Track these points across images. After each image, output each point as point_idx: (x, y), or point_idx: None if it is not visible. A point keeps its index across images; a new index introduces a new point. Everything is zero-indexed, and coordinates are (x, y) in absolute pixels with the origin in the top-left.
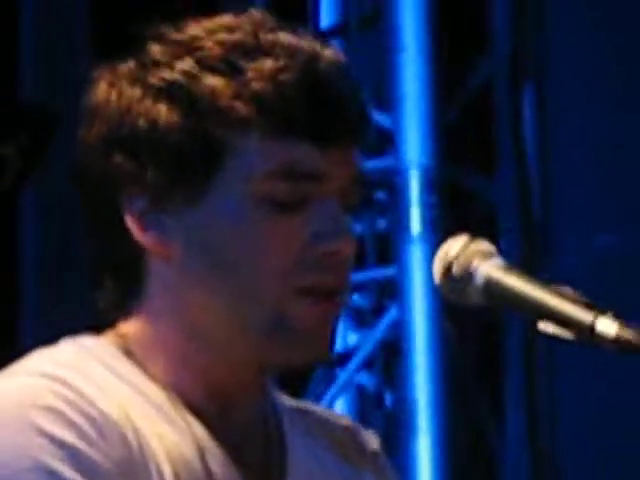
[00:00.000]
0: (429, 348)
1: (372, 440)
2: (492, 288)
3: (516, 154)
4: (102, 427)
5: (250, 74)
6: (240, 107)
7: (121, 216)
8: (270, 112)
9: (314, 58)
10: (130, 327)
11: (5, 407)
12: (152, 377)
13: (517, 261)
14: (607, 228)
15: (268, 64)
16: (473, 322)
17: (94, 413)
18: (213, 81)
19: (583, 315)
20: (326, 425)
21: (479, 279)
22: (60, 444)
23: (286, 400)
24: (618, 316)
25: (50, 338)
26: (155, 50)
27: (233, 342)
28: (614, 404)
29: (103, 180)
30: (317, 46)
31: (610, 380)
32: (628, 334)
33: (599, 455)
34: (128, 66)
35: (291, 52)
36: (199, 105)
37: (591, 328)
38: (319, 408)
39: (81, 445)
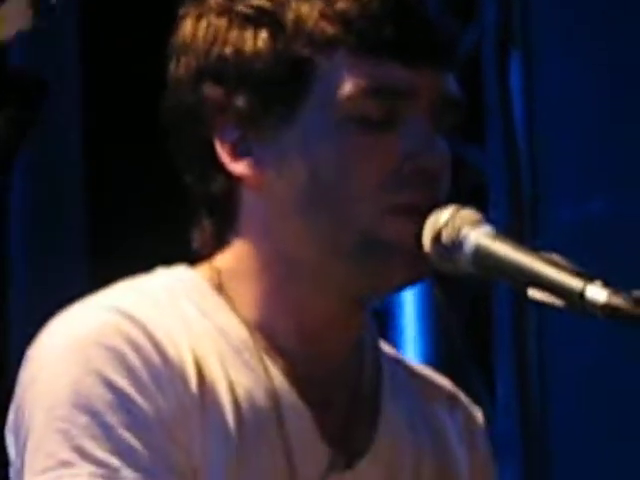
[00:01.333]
0: (419, 316)
1: (475, 416)
2: (481, 255)
3: (504, 124)
4: (160, 375)
5: None
6: (326, 27)
7: (213, 148)
8: (357, 30)
9: None
10: (224, 259)
11: (69, 340)
12: (240, 314)
13: (506, 230)
14: (596, 196)
15: None
16: (463, 290)
17: (156, 359)
18: (298, 4)
19: (573, 282)
20: (433, 398)
21: (468, 247)
22: (111, 387)
23: (392, 353)
24: (607, 284)
25: (40, 321)
26: None
27: (328, 269)
28: (604, 371)
29: (194, 112)
30: None
31: (600, 347)
32: (617, 301)
33: (589, 422)
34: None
35: None
36: (284, 29)
37: (580, 295)
38: (431, 375)
39: (132, 391)
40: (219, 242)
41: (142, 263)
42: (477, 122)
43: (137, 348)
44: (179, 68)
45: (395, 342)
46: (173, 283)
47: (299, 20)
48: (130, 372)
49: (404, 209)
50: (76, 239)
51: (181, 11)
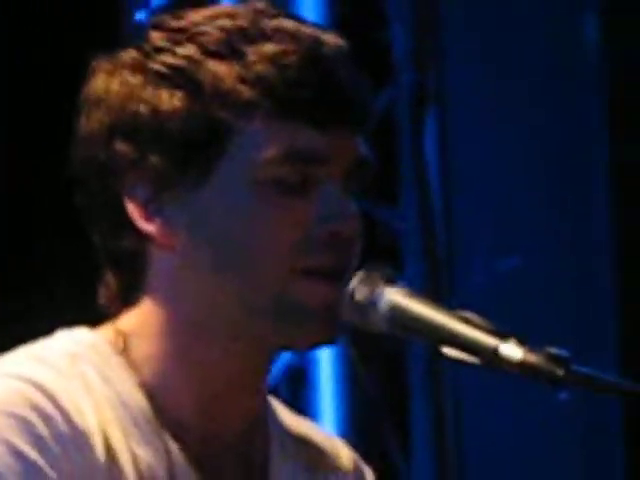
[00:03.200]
0: (334, 375)
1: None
2: (396, 314)
3: (418, 183)
4: (69, 444)
5: (252, 57)
6: (244, 90)
7: (122, 204)
8: (274, 95)
9: (317, 42)
10: (129, 320)
11: None
12: (142, 381)
13: (422, 288)
14: (509, 254)
15: (271, 48)
16: (377, 348)
17: (65, 428)
18: (215, 65)
19: (487, 340)
20: (323, 455)
21: (383, 305)
22: (20, 457)
23: (285, 415)
24: (521, 341)
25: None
26: (156, 37)
27: (237, 328)
28: (520, 426)
29: (104, 169)
30: (319, 32)
31: (516, 401)
32: (533, 358)
33: (504, 478)
34: (129, 54)
35: (293, 37)
36: (201, 89)
37: (495, 352)
38: (319, 432)
39: (41, 462)
40: (125, 300)
41: (44, 323)
42: (390, 182)
43: (45, 417)
44: (90, 122)
45: (311, 399)
46: (74, 348)
47: (216, 82)
48: (39, 442)
49: (316, 272)
50: None
51: (93, 64)
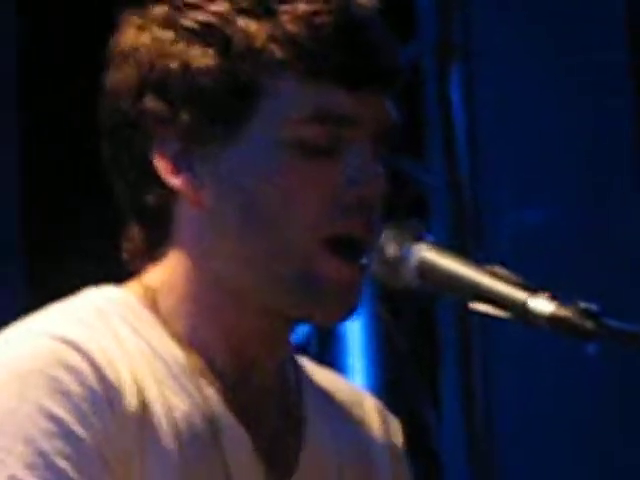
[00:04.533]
0: (364, 332)
1: (397, 430)
2: (425, 269)
3: (445, 137)
4: (99, 399)
5: (284, 16)
6: (275, 49)
7: (151, 160)
8: (305, 55)
9: (349, 3)
10: (156, 276)
11: (5, 369)
12: (174, 333)
13: (449, 242)
14: (537, 206)
15: (302, 7)
16: (408, 306)
17: (95, 384)
18: (247, 23)
19: (517, 294)
20: (349, 405)
21: (412, 261)
22: (49, 416)
23: (312, 368)
24: (551, 295)
25: None
26: None
27: (260, 291)
28: (549, 382)
29: (133, 122)
30: None
31: (545, 358)
32: (563, 312)
33: (533, 440)
34: (159, 10)
35: None
36: (233, 47)
37: (525, 306)
38: (345, 383)
39: (70, 420)
40: (150, 255)
41: (75, 279)
42: (417, 136)
43: (76, 374)
44: (119, 76)
45: (341, 356)
46: (104, 303)
47: (247, 40)
48: (69, 400)
49: (338, 242)
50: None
51: (121, 19)
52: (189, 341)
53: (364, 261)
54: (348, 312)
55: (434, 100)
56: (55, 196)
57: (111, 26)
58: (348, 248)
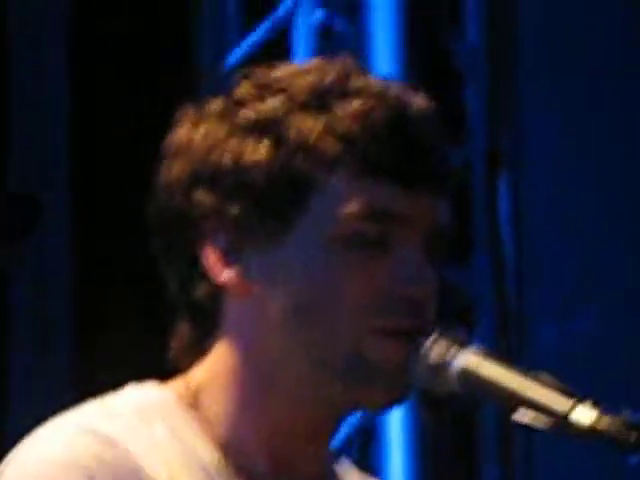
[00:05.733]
0: (405, 434)
1: None
2: (469, 377)
3: (492, 243)
4: None
5: (339, 113)
6: (329, 145)
7: (200, 254)
8: (359, 151)
9: (404, 102)
10: (200, 373)
11: (43, 461)
12: (212, 432)
13: (494, 349)
14: (581, 315)
15: (358, 104)
16: (449, 408)
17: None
18: (301, 118)
19: (561, 403)
20: None
21: (455, 367)
22: None
23: (351, 473)
24: (597, 403)
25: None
26: (243, 88)
27: (308, 383)
28: None
29: (184, 216)
30: (406, 92)
31: (588, 468)
32: (604, 423)
33: None
34: (215, 105)
35: (381, 95)
36: (286, 141)
37: (566, 417)
38: None
39: None
40: (197, 352)
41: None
42: (464, 245)
43: (112, 471)
44: (172, 171)
45: (381, 460)
46: (144, 403)
47: (302, 135)
48: None
49: (391, 332)
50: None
51: (178, 115)
52: (226, 442)
53: (412, 345)
54: (398, 396)
55: (482, 207)
56: (106, 290)
57: (165, 117)
58: (398, 335)
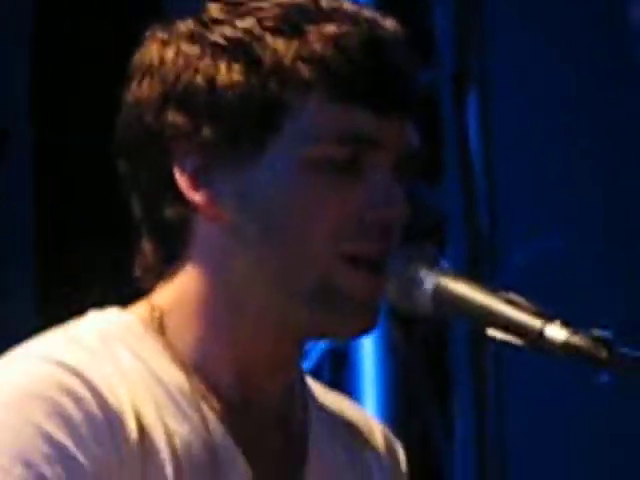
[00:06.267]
0: (376, 355)
1: (401, 455)
2: (440, 295)
3: (462, 163)
4: (100, 426)
5: (312, 36)
6: (302, 68)
7: (170, 174)
8: (332, 75)
9: (376, 26)
10: (165, 295)
11: (7, 393)
12: (177, 355)
13: (464, 269)
14: (552, 234)
15: (331, 28)
16: (420, 327)
17: (96, 411)
18: (275, 41)
19: (532, 321)
20: (355, 428)
21: (427, 286)
22: (49, 440)
23: (320, 391)
24: (566, 323)
25: None
26: (213, 9)
27: (275, 309)
28: (561, 409)
29: (155, 135)
30: (377, 15)
31: (558, 385)
32: (577, 340)
33: (546, 460)
34: (185, 25)
35: (353, 18)
36: (260, 64)
37: (540, 333)
38: (351, 406)
39: (70, 444)
40: (163, 271)
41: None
42: (433, 163)
43: (77, 400)
44: (142, 90)
45: (353, 382)
46: (106, 327)
47: (275, 58)
48: (69, 425)
49: (361, 261)
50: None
51: (146, 33)
52: (193, 364)
53: (382, 278)
54: (368, 327)
55: (451, 126)
56: (68, 215)
57: (132, 40)
58: (368, 265)
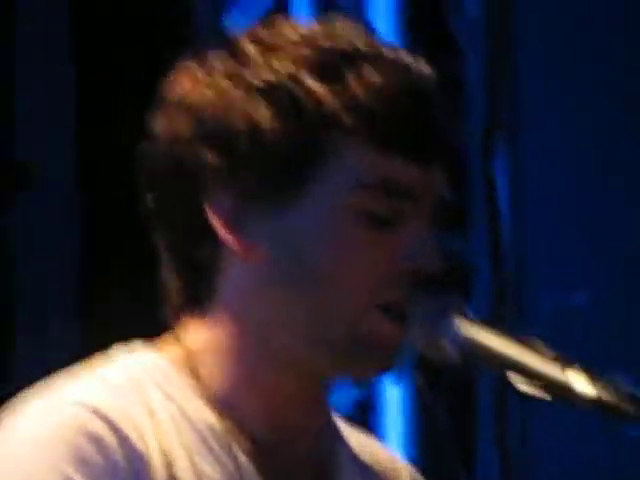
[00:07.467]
0: (402, 403)
1: None
2: (466, 344)
3: (488, 213)
4: (124, 472)
5: (353, 82)
6: (345, 115)
7: (201, 212)
8: (376, 125)
9: (419, 75)
10: (198, 337)
11: (32, 437)
12: (210, 397)
13: (490, 319)
14: (579, 287)
15: (374, 75)
16: (445, 375)
17: (119, 456)
18: (316, 86)
19: (556, 371)
20: (384, 470)
21: (453, 335)
22: None
23: (349, 432)
24: (585, 368)
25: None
26: (250, 49)
27: (305, 353)
28: (587, 459)
29: (188, 174)
30: (414, 60)
31: (584, 435)
32: (607, 396)
33: None
34: (221, 62)
35: (393, 64)
36: (302, 109)
37: (569, 387)
38: (381, 448)
39: None
40: (190, 312)
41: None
42: (460, 211)
43: (100, 445)
44: (173, 124)
45: (378, 430)
46: (137, 370)
47: (317, 103)
48: (90, 470)
49: (393, 311)
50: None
51: (178, 65)
52: (224, 405)
53: (408, 325)
54: (386, 369)
55: (479, 176)
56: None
57: (159, 70)
58: (398, 314)
